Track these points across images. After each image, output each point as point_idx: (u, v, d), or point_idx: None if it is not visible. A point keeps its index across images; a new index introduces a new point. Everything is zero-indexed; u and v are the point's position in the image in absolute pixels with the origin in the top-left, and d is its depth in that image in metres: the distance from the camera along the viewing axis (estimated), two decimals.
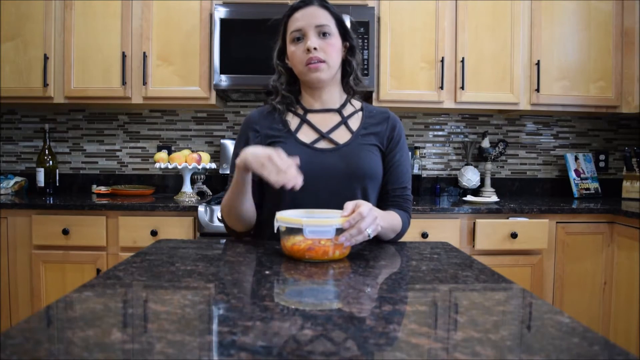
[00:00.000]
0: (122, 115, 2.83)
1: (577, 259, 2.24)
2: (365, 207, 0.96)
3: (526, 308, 0.72)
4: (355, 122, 1.26)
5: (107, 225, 2.16)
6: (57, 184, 2.64)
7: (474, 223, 2.18)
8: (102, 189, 2.58)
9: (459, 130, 2.89)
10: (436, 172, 2.89)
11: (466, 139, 2.88)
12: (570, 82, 2.53)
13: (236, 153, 1.14)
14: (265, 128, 1.24)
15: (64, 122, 2.83)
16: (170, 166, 2.37)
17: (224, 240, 1.21)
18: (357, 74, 1.27)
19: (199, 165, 2.39)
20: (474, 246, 2.18)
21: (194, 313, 0.64)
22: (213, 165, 2.48)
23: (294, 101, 1.27)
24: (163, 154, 2.44)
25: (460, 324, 0.62)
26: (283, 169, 0.99)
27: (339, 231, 0.93)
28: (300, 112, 1.27)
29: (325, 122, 1.24)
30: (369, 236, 0.96)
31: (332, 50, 1.18)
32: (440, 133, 2.89)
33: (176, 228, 2.17)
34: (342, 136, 1.23)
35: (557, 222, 2.23)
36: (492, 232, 2.17)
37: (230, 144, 2.70)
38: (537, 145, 2.93)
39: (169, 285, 0.78)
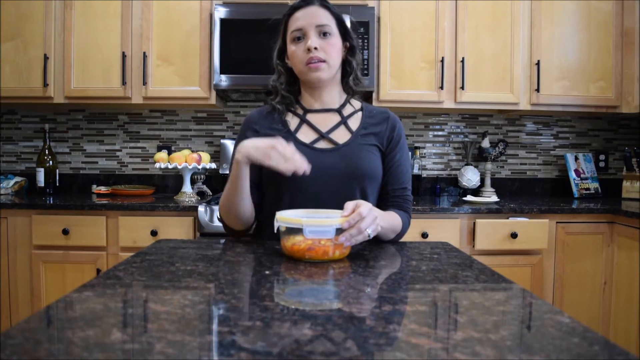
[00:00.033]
0: (122, 115, 2.83)
1: (577, 259, 2.24)
2: (365, 207, 0.96)
3: (526, 308, 0.72)
4: (355, 122, 1.26)
5: (107, 225, 2.16)
6: (57, 184, 2.64)
7: (474, 223, 2.18)
8: (102, 189, 2.58)
9: (459, 130, 2.89)
10: (436, 172, 2.89)
11: (466, 139, 2.88)
12: (570, 82, 2.53)
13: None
14: (264, 128, 1.24)
15: (64, 122, 2.83)
16: (170, 166, 2.37)
17: (223, 240, 1.21)
18: (357, 74, 1.27)
19: (199, 165, 2.39)
20: (474, 246, 2.18)
21: (194, 313, 0.64)
22: (213, 165, 2.48)
23: (293, 101, 1.27)
24: (163, 154, 2.44)
25: (460, 324, 0.62)
26: (289, 156, 1.00)
27: (339, 231, 0.93)
28: (300, 112, 1.27)
29: (324, 122, 1.24)
30: (369, 236, 0.96)
31: (332, 50, 1.18)
32: (440, 133, 2.89)
33: (176, 228, 2.17)
34: (341, 136, 1.22)
35: (557, 222, 2.23)
36: (492, 232, 2.17)
37: (230, 144, 2.70)
38: (537, 145, 2.93)
39: (169, 285, 0.78)
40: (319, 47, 1.16)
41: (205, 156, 2.47)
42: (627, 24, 2.51)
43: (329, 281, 0.83)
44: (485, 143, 2.73)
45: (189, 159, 2.38)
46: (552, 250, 2.23)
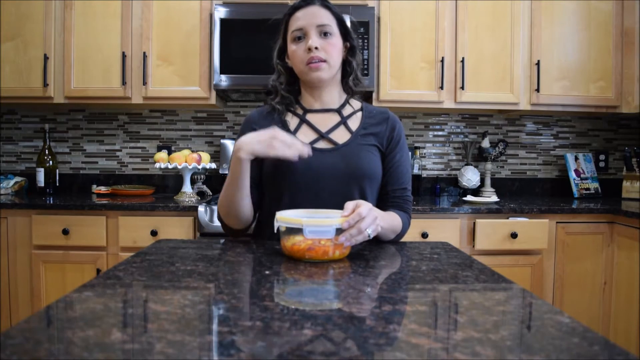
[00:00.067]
0: (122, 115, 2.83)
1: (577, 259, 2.24)
2: (365, 207, 0.96)
3: (526, 308, 0.72)
4: (354, 122, 1.26)
5: (107, 225, 2.16)
6: (57, 184, 2.64)
7: (474, 223, 2.18)
8: (102, 189, 2.58)
9: (459, 130, 2.89)
10: (436, 172, 2.89)
11: (466, 139, 2.88)
12: (570, 82, 2.53)
13: None
14: (264, 128, 1.23)
15: (64, 122, 2.83)
16: (170, 166, 2.37)
17: (223, 240, 1.21)
18: (357, 74, 1.27)
19: (199, 165, 2.39)
20: (474, 246, 2.18)
21: (194, 313, 0.64)
22: (213, 165, 2.48)
23: (293, 101, 1.27)
24: (163, 154, 2.44)
25: (460, 324, 0.62)
26: (290, 142, 1.03)
27: (339, 231, 0.93)
28: (300, 112, 1.27)
29: (324, 122, 1.24)
30: (369, 236, 0.96)
31: (333, 50, 1.18)
32: (440, 133, 2.89)
33: (176, 228, 2.16)
34: (341, 136, 1.22)
35: (557, 222, 2.23)
36: (492, 232, 2.17)
37: (230, 144, 2.70)
38: (537, 145, 2.93)
39: (169, 285, 0.78)
40: (320, 47, 1.16)
41: (205, 156, 2.47)
42: (627, 24, 2.51)
43: (329, 281, 0.83)
44: (485, 143, 2.73)
45: (189, 159, 2.38)
46: (552, 250, 2.23)
